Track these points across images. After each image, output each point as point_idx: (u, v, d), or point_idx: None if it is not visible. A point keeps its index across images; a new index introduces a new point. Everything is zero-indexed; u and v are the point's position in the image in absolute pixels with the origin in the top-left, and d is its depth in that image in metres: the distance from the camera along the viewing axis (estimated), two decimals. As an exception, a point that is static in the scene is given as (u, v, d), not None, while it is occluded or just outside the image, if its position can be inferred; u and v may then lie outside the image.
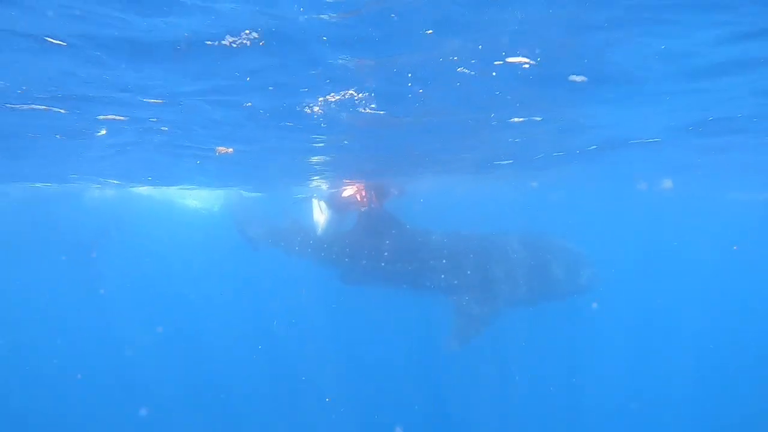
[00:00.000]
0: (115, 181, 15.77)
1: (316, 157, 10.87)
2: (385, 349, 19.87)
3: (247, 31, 4.30)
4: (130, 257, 31.45)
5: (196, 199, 20.35)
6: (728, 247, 26.22)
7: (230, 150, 12.15)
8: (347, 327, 21.56)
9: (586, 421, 16.38)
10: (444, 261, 10.05)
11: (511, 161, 12.08)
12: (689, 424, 17.28)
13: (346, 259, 9.99)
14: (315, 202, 14.54)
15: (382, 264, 9.80)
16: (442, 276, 9.99)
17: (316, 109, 6.78)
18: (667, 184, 14.58)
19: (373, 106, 6.68)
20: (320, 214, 13.80)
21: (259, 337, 23.09)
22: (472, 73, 5.48)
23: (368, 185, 12.23)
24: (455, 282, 9.99)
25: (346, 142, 9.08)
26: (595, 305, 14.44)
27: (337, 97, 6.29)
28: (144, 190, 17.93)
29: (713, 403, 18.00)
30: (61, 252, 25.99)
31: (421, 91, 6.17)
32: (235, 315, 25.59)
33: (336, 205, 12.60)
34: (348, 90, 6.06)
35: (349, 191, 12.45)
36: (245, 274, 25.91)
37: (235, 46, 4.55)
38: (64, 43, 4.47)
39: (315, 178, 13.90)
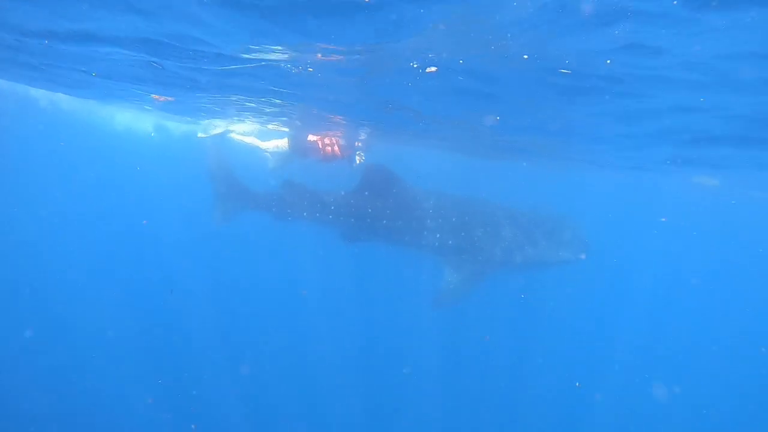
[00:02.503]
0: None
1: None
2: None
3: None
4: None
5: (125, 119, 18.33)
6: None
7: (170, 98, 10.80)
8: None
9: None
10: (440, 220, 9.95)
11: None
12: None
13: (352, 220, 9.69)
14: (239, 137, 13.60)
15: (384, 221, 9.58)
16: (437, 235, 9.92)
17: None
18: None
19: None
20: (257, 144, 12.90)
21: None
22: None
23: (335, 136, 11.63)
24: (449, 242, 9.98)
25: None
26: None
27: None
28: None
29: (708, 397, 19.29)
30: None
31: None
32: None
33: (297, 147, 12.04)
34: None
35: (313, 137, 11.80)
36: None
37: None
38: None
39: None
